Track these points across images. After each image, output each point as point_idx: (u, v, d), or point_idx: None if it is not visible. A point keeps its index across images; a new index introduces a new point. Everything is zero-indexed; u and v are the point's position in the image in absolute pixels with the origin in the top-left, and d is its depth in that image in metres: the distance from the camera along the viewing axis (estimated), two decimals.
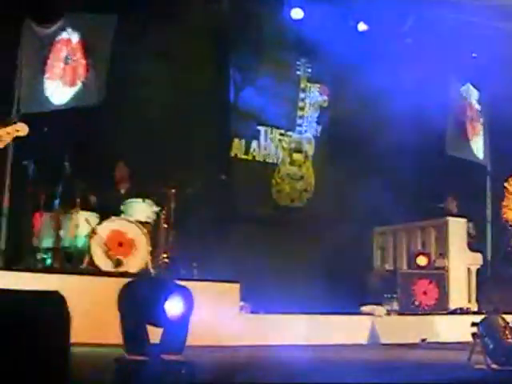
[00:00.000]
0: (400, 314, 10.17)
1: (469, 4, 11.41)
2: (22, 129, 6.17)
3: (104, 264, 8.54)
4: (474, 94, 13.24)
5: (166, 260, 9.30)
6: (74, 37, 10.28)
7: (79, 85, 10.18)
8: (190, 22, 10.63)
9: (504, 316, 6.93)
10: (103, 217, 9.02)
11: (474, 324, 6.84)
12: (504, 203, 7.30)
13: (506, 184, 7.40)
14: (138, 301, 4.73)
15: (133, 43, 10.29)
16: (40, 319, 3.58)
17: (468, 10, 11.53)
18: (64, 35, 10.26)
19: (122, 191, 9.95)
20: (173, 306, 4.72)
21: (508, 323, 6.72)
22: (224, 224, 10.71)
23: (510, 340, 6.48)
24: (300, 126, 12.72)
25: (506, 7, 11.37)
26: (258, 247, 11.00)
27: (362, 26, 12.13)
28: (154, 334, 4.95)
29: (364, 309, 10.00)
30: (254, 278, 10.02)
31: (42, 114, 9.78)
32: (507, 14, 11.55)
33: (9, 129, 6.10)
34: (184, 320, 4.83)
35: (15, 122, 6.20)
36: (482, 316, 7.22)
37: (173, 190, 9.47)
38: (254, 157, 12.27)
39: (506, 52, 11.26)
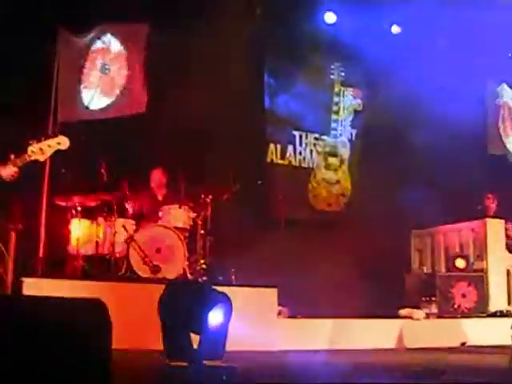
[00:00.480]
0: (439, 317, 10.09)
1: (504, 4, 11.30)
2: (63, 142, 6.21)
3: (142, 270, 8.58)
4: (509, 94, 13.11)
5: (204, 266, 9.32)
6: (110, 46, 10.35)
7: (117, 94, 10.24)
8: (225, 28, 10.65)
9: None
10: (140, 223, 9.07)
11: None
12: None
13: None
14: (180, 308, 4.75)
15: (169, 51, 10.33)
16: (81, 326, 3.60)
17: (503, 10, 11.43)
18: (100, 44, 10.33)
19: (159, 198, 10.00)
20: (214, 314, 4.73)
21: None
22: (261, 229, 10.69)
23: None
24: (335, 129, 12.70)
25: None
26: (296, 252, 10.96)
27: (395, 29, 12.07)
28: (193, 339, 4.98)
29: (402, 312, 9.93)
30: (291, 282, 10.01)
31: (79, 122, 9.87)
32: None
33: (50, 142, 6.14)
34: (223, 326, 4.84)
35: (56, 135, 6.23)
36: None
37: (209, 196, 9.50)
38: (289, 162, 12.28)
39: None
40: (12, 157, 5.96)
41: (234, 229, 9.50)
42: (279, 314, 8.80)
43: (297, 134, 12.38)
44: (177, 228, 9.05)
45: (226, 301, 4.90)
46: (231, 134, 10.74)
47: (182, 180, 9.69)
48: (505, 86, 13.07)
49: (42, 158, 6.16)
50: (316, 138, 12.57)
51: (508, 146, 12.87)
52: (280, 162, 12.18)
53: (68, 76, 10.24)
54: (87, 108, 10.21)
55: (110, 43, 10.33)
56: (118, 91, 10.30)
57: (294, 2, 11.30)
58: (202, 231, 9.47)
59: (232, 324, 5.44)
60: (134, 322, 7.13)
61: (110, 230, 8.90)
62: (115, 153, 9.45)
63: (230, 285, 8.86)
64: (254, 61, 11.55)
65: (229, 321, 4.90)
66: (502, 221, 11.21)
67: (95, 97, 10.24)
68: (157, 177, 10.06)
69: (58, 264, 8.95)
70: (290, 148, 12.31)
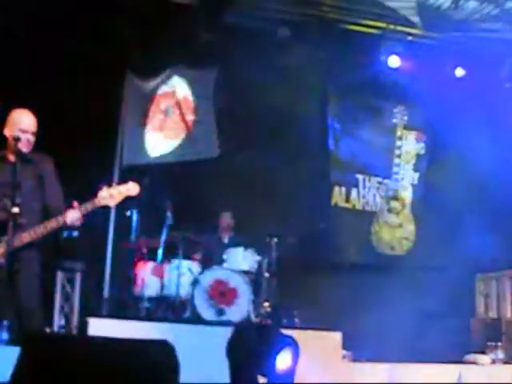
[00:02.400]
0: (505, 362, 9.80)
1: None
2: (133, 188, 6.25)
3: (207, 313, 8.53)
4: None
5: (268, 309, 9.24)
6: (176, 89, 10.46)
7: (182, 138, 10.31)
8: (288, 71, 10.70)
9: None
10: (206, 266, 9.05)
11: None
12: None
13: None
14: (249, 350, 4.67)
15: (234, 95, 10.41)
16: (150, 368, 3.56)
17: None
18: (166, 88, 10.45)
19: (225, 240, 10.00)
20: (282, 357, 4.66)
21: None
22: (324, 272, 10.62)
23: None
24: (396, 173, 12.58)
25: None
26: (359, 295, 10.86)
27: (459, 72, 11.94)
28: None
29: (468, 357, 9.68)
30: (355, 326, 9.86)
31: (145, 165, 9.96)
32: None
33: (121, 188, 6.18)
34: (291, 370, 4.76)
35: (127, 181, 6.27)
36: None
37: (274, 239, 9.46)
38: (353, 205, 12.19)
39: None
40: (75, 204, 5.98)
41: (297, 272, 9.42)
42: (344, 357, 8.66)
43: (360, 177, 12.29)
44: (242, 271, 9.01)
45: (294, 344, 4.81)
46: (297, 178, 10.72)
47: (248, 223, 9.70)
48: None
49: (111, 204, 6.19)
50: (379, 182, 12.46)
51: None
52: (345, 205, 12.10)
53: (133, 120, 10.36)
54: (151, 151, 10.29)
55: (177, 87, 10.43)
56: (183, 136, 10.37)
57: (358, 45, 11.28)
58: (267, 274, 9.42)
59: (297, 367, 5.34)
60: (199, 365, 7.06)
61: (175, 271, 8.89)
62: (183, 196, 9.49)
63: (294, 327, 8.78)
64: (319, 104, 11.56)
65: (296, 364, 4.81)
66: None
67: (159, 141, 10.33)
68: (225, 220, 10.07)
69: (122, 305, 8.96)
70: (354, 191, 12.22)
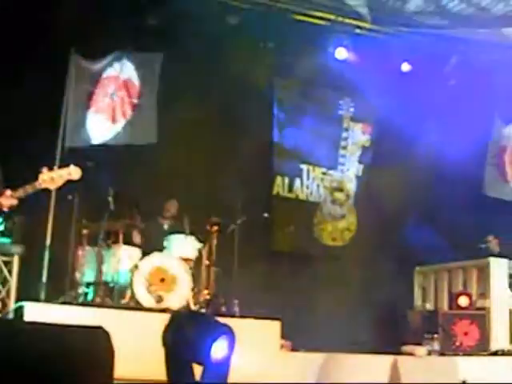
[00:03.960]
0: (441, 354, 10.00)
1: (509, 44, 11.36)
2: (74, 173, 6.21)
3: (145, 300, 8.52)
4: None
5: (208, 297, 9.28)
6: (121, 73, 10.38)
7: (125, 122, 10.25)
8: (235, 60, 10.71)
9: None
10: (146, 252, 9.04)
11: None
12: None
13: None
14: (184, 338, 4.70)
15: (179, 81, 10.38)
16: (85, 354, 3.57)
17: (507, 51, 11.50)
18: (111, 71, 10.36)
19: (166, 227, 9.99)
20: (217, 346, 4.69)
21: None
22: (265, 261, 10.68)
23: None
24: (342, 164, 12.68)
25: None
26: (300, 285, 10.95)
27: (405, 67, 12.10)
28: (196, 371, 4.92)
29: (405, 348, 9.86)
30: (295, 315, 9.95)
31: (88, 148, 9.88)
32: None
33: (62, 172, 6.14)
34: (227, 358, 4.79)
35: (68, 165, 6.23)
36: None
37: (215, 227, 9.50)
38: (297, 195, 12.25)
39: None
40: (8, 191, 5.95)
41: (238, 260, 9.45)
42: (282, 347, 8.74)
43: (304, 167, 12.35)
44: (182, 258, 9.01)
45: (230, 332, 4.84)
46: (239, 166, 10.74)
47: (189, 210, 9.70)
48: None
49: (52, 187, 6.16)
50: (324, 173, 12.54)
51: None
52: (287, 195, 12.15)
53: (78, 101, 10.25)
54: (94, 134, 10.21)
55: (123, 70, 10.36)
56: (127, 119, 10.31)
57: (306, 36, 11.33)
58: (207, 262, 9.46)
59: (234, 356, 5.38)
60: (136, 352, 7.07)
61: (114, 257, 8.86)
62: (123, 181, 9.45)
63: (233, 316, 8.83)
64: (264, 94, 11.58)
65: (232, 353, 4.85)
66: (506, 260, 11.17)
67: (103, 124, 10.25)
68: (171, 208, 10.05)
69: (61, 290, 8.89)
70: (298, 181, 12.28)
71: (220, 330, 4.75)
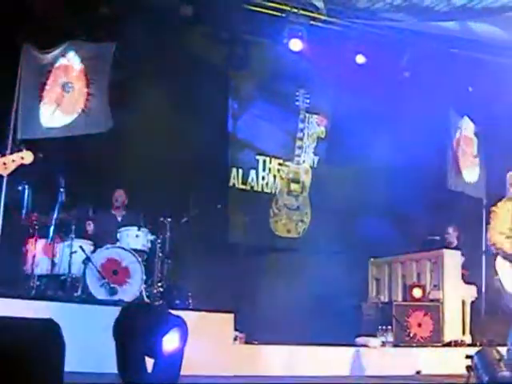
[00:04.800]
0: (395, 345, 10.12)
1: (464, 38, 11.50)
2: (27, 156, 6.15)
3: (98, 292, 8.50)
4: (470, 127, 13.27)
5: (161, 289, 9.28)
6: (73, 63, 10.29)
7: (78, 112, 10.17)
8: (189, 50, 10.69)
9: (498, 348, 6.90)
10: (98, 244, 9.00)
11: (468, 357, 6.82)
12: (491, 226, 7.31)
13: (493, 208, 7.42)
14: (135, 331, 4.72)
15: (132, 71, 10.33)
16: (34, 347, 3.56)
17: (463, 44, 11.63)
18: (63, 61, 10.26)
19: (119, 219, 9.96)
20: (169, 338, 4.71)
21: (503, 356, 6.68)
22: (220, 253, 10.68)
23: (504, 373, 6.44)
24: (298, 156, 12.71)
25: (501, 42, 11.48)
26: (254, 277, 10.99)
27: (360, 59, 12.16)
28: (148, 363, 4.94)
29: (359, 340, 9.96)
30: (249, 307, 9.99)
31: (39, 140, 9.79)
32: (502, 49, 11.67)
33: (14, 156, 6.09)
34: (179, 351, 4.82)
35: (21, 150, 6.18)
36: (477, 348, 7.20)
37: (169, 219, 9.50)
38: (252, 187, 12.26)
39: (502, 85, 11.34)
40: None
41: (192, 252, 9.46)
42: (235, 339, 8.78)
43: (260, 158, 12.38)
44: (135, 250, 9.00)
45: (182, 325, 4.88)
46: (193, 157, 10.73)
47: (142, 202, 9.68)
48: (466, 118, 13.22)
49: (4, 173, 6.11)
50: (280, 164, 12.58)
51: (465, 178, 13.02)
52: (242, 186, 12.16)
53: (29, 92, 10.14)
54: (46, 125, 10.11)
55: (74, 61, 10.27)
56: (79, 110, 10.23)
57: (260, 27, 11.35)
58: (160, 254, 9.46)
59: (188, 348, 5.41)
60: (88, 345, 7.06)
61: (66, 249, 8.82)
62: (76, 172, 9.38)
63: (186, 309, 8.84)
64: (219, 85, 11.56)
65: (184, 345, 4.88)
66: (459, 252, 11.33)
67: (55, 115, 10.15)
68: (118, 198, 10.02)
69: (12, 283, 8.82)
70: (253, 173, 12.29)
71: (172, 323, 4.78)
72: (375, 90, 11.96)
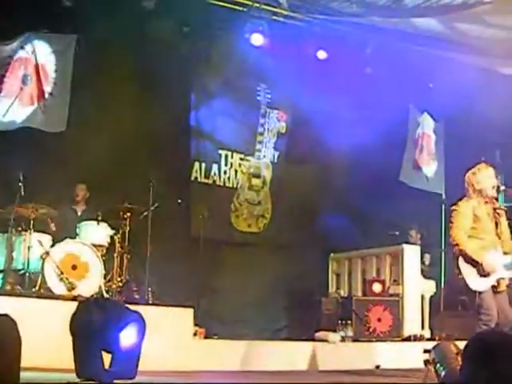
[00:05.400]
0: (354, 340, 10.19)
1: (424, 35, 11.58)
2: None
3: (57, 287, 8.42)
4: (430, 124, 13.41)
5: (121, 284, 9.24)
6: (33, 56, 10.18)
7: (36, 106, 10.07)
8: (151, 45, 10.63)
9: (456, 342, 6.97)
10: (58, 239, 8.92)
11: (426, 351, 6.88)
12: (454, 225, 7.38)
13: (454, 207, 7.50)
14: (92, 326, 4.69)
15: (93, 65, 10.25)
16: None
17: (423, 41, 11.71)
18: (23, 54, 10.14)
19: (79, 213, 9.89)
20: (126, 333, 4.69)
21: (460, 350, 6.74)
22: (180, 248, 10.66)
23: None
24: (259, 151, 12.72)
25: (462, 39, 11.59)
26: (215, 272, 10.98)
27: (321, 54, 12.18)
28: (105, 359, 4.91)
29: (318, 335, 10.01)
30: (209, 302, 9.98)
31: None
32: (464, 46, 11.77)
33: None
34: (136, 346, 4.80)
35: None
36: (435, 343, 7.26)
37: (128, 213, 9.46)
38: (214, 181, 12.24)
39: (462, 82, 11.44)
40: None
41: (152, 247, 9.41)
42: (195, 334, 8.78)
43: (222, 153, 12.36)
44: (94, 245, 8.94)
45: (139, 320, 4.86)
46: (155, 152, 10.68)
47: (102, 196, 9.62)
48: (426, 115, 13.35)
49: None
50: (241, 159, 12.57)
51: (423, 173, 13.15)
52: (204, 180, 12.13)
53: None
54: (4, 118, 9.99)
55: (35, 53, 10.16)
56: (39, 104, 10.13)
57: (222, 21, 11.32)
58: (120, 249, 9.42)
59: (146, 343, 5.39)
60: (46, 340, 7.00)
61: (24, 244, 8.73)
62: (36, 166, 9.28)
63: (146, 304, 8.81)
64: (181, 79, 11.50)
65: (142, 340, 4.86)
66: (418, 247, 11.44)
67: (13, 107, 10.04)
68: (79, 192, 9.96)
69: None
70: (215, 167, 12.27)
71: (129, 318, 4.76)
72: (336, 85, 12.00)
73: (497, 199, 7.58)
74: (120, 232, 9.47)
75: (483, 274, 7.08)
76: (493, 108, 11.69)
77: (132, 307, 5.86)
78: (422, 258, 11.51)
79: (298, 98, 12.06)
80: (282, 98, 12.79)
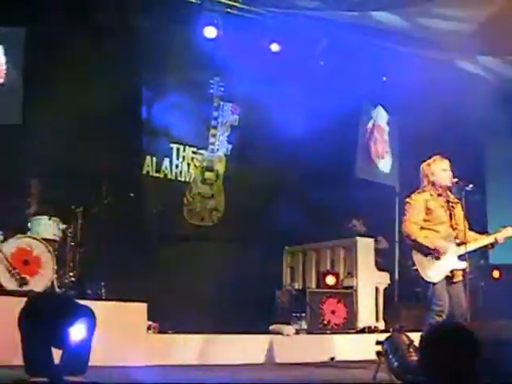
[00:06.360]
0: (309, 332, 10.24)
1: (378, 28, 11.64)
2: None
3: (8, 283, 8.33)
4: (383, 116, 13.51)
5: (73, 279, 9.17)
6: None
7: None
8: (101, 36, 10.53)
9: (408, 334, 7.05)
10: (9, 234, 8.81)
11: (378, 342, 6.96)
12: (406, 217, 7.47)
13: (407, 199, 7.59)
14: (41, 322, 4.64)
15: (42, 58, 10.14)
16: None
17: (376, 34, 11.77)
18: None
19: (31, 208, 9.79)
20: (76, 329, 4.65)
21: (412, 341, 6.83)
22: (133, 242, 10.60)
23: (414, 358, 6.59)
24: (212, 144, 12.70)
25: (416, 33, 11.68)
26: (168, 266, 10.95)
27: (274, 47, 12.19)
28: (55, 355, 4.87)
29: (273, 328, 10.03)
30: (163, 296, 9.95)
31: None
32: (417, 40, 11.86)
33: None
34: (86, 341, 4.77)
35: None
36: (389, 334, 7.34)
37: (80, 208, 9.39)
38: (165, 175, 12.19)
39: (415, 75, 11.53)
40: None
41: (105, 241, 9.35)
42: (149, 328, 8.75)
43: (174, 146, 12.31)
44: (46, 239, 8.85)
45: (89, 315, 4.83)
46: (106, 146, 10.59)
47: (54, 191, 9.52)
48: (379, 107, 13.44)
49: None
50: (194, 152, 12.54)
51: (377, 166, 13.25)
52: (156, 174, 12.07)
53: None
54: None
55: None
56: None
57: (175, 13, 11.26)
58: (72, 243, 9.35)
59: (99, 339, 5.36)
60: None
61: None
62: None
63: (99, 299, 8.78)
64: (133, 72, 11.41)
65: (92, 335, 4.83)
66: (372, 239, 11.54)
67: None
68: (31, 187, 9.85)
69: None
70: (167, 161, 12.22)
71: (78, 313, 4.73)
72: (289, 78, 12.04)
73: (451, 191, 7.69)
74: (72, 227, 9.39)
75: (438, 256, 7.17)
76: (450, 102, 11.84)
77: (85, 302, 5.83)
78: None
79: (252, 90, 12.04)
80: (235, 90, 12.76)
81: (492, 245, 7.51)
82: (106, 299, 8.83)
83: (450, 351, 3.62)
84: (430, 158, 7.67)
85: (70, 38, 10.33)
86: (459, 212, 7.53)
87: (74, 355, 4.69)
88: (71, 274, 9.19)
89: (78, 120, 10.35)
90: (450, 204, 7.52)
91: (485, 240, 7.49)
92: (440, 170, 7.52)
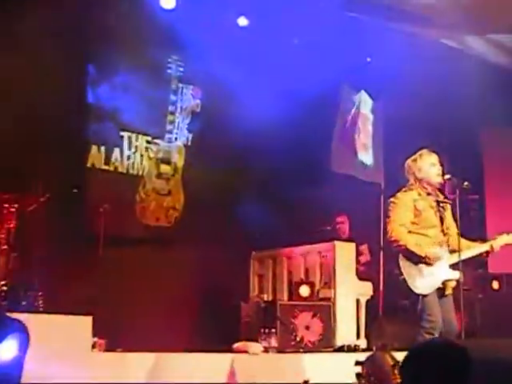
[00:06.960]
0: (279, 351, 10.24)
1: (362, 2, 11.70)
2: None
3: None
4: (367, 102, 13.52)
5: (5, 288, 9.11)
6: None
7: None
8: (43, 11, 10.46)
9: (393, 353, 7.07)
10: None
11: (358, 363, 6.98)
12: (391, 219, 7.51)
13: (392, 199, 7.62)
14: None
15: None
16: None
17: (361, 8, 11.82)
18: None
19: None
20: (6, 347, 4.63)
21: (398, 362, 6.84)
22: (76, 246, 10.55)
23: (399, 381, 6.61)
24: (170, 132, 12.65)
25: (403, 6, 11.74)
26: (117, 274, 10.90)
27: (242, 21, 12.19)
28: None
29: (237, 346, 10.03)
30: (111, 309, 9.92)
31: None
32: (406, 16, 11.92)
33: None
34: (18, 360, 4.74)
35: None
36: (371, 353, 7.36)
37: (14, 206, 9.32)
38: (115, 167, 12.10)
39: (403, 57, 11.57)
40: None
41: (42, 245, 9.31)
42: (94, 346, 8.73)
43: (125, 135, 12.24)
44: None
45: (22, 330, 4.79)
46: (43, 133, 10.52)
47: None
48: (363, 92, 13.44)
49: None
50: (148, 142, 12.48)
51: (360, 160, 13.26)
52: (104, 167, 11.98)
53: None
54: None
55: None
56: None
57: None
58: (5, 246, 9.28)
59: (34, 358, 5.32)
60: None
61: None
62: None
63: (35, 311, 8.73)
64: (76, 51, 11.30)
65: (25, 353, 4.80)
66: (353, 244, 11.53)
67: None
68: None
69: None
70: (117, 151, 12.13)
71: (9, 328, 4.70)
72: (259, 57, 12.03)
73: (441, 190, 7.73)
74: (5, 227, 9.33)
75: (429, 262, 7.21)
76: (439, 85, 11.90)
77: (18, 315, 5.79)
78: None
79: (216, 71, 12.02)
80: (197, 71, 12.72)
81: (488, 253, 7.58)
82: (44, 312, 8.79)
83: (436, 373, 3.61)
84: (416, 152, 7.72)
85: (6, 12, 10.26)
86: (449, 215, 7.59)
87: (2, 376, 4.67)
88: (3, 282, 9.13)
89: (10, 104, 10.26)
90: (440, 205, 7.57)
91: (480, 247, 7.56)
92: (428, 165, 7.57)
